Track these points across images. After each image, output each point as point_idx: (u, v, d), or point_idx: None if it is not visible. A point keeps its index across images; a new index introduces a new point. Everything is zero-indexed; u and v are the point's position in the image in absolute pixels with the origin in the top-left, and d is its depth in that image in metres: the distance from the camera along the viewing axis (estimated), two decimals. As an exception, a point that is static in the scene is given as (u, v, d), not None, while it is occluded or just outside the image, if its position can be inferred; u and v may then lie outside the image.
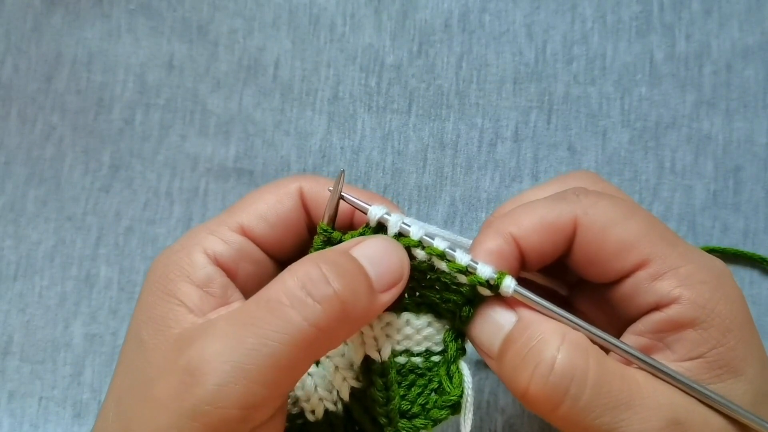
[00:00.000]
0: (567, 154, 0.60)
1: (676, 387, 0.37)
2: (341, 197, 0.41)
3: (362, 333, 0.40)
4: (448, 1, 0.61)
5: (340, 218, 0.42)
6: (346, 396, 0.42)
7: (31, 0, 0.62)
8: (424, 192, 0.60)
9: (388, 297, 0.38)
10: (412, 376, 0.42)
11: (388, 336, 0.41)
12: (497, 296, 0.39)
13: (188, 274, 0.40)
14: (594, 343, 0.38)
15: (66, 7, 0.62)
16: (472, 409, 0.40)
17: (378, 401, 0.41)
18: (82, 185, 0.60)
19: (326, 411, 0.43)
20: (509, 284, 0.38)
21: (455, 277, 0.39)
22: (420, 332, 0.42)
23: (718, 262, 0.40)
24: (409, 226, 0.40)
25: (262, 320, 0.35)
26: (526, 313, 0.39)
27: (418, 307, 0.42)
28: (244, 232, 0.42)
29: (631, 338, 0.40)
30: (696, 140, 0.60)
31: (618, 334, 0.40)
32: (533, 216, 0.40)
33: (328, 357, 0.43)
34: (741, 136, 0.60)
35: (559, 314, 0.38)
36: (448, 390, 0.41)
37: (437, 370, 0.42)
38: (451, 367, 0.41)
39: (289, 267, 0.37)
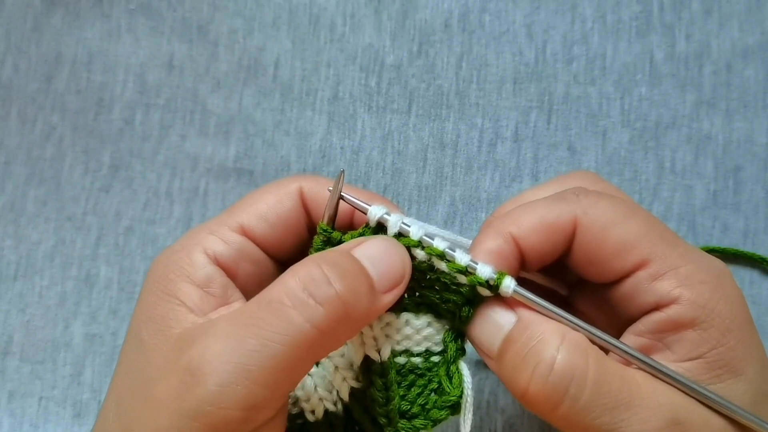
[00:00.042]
0: (567, 154, 0.60)
1: (676, 387, 0.37)
2: (341, 197, 0.41)
3: (362, 333, 0.40)
4: (448, 1, 0.61)
5: (340, 218, 0.42)
6: (345, 396, 0.42)
7: (31, 0, 0.62)
8: (424, 192, 0.60)
9: (390, 298, 0.38)
10: (411, 377, 0.42)
11: (387, 336, 0.41)
12: (497, 296, 0.39)
13: (188, 274, 0.40)
14: (594, 343, 0.38)
15: (66, 7, 0.62)
16: (471, 409, 0.40)
17: (378, 401, 0.41)
18: (82, 185, 0.60)
19: (326, 411, 0.43)
20: (509, 284, 0.38)
21: (455, 278, 0.39)
22: (420, 332, 0.42)
23: (718, 262, 0.40)
24: (408, 226, 0.40)
25: (264, 321, 0.35)
26: (525, 314, 0.39)
27: (418, 308, 0.42)
28: (244, 232, 0.42)
29: (630, 338, 0.40)
30: (696, 140, 0.60)
31: (618, 335, 0.40)
32: (533, 216, 0.40)
33: (328, 357, 0.43)
34: (741, 136, 0.60)
35: (558, 314, 0.38)
36: (448, 390, 0.41)
37: (437, 371, 0.42)
38: (451, 368, 0.41)
39: (290, 268, 0.37)
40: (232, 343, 0.35)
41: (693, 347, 0.38)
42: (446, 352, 0.41)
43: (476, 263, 0.39)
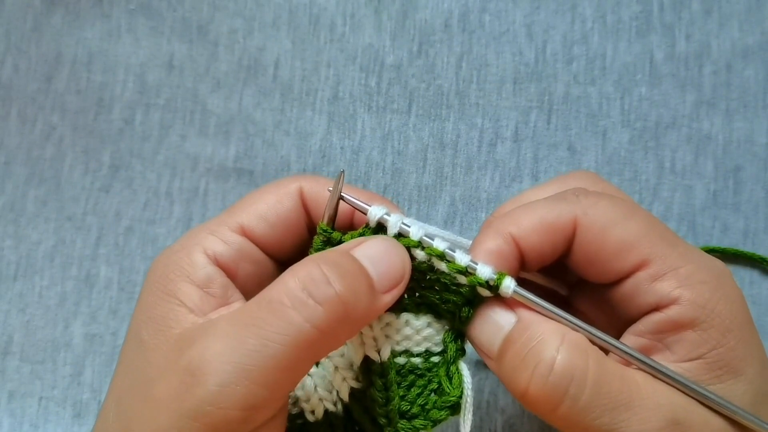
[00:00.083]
0: (567, 154, 0.60)
1: (676, 388, 0.37)
2: (341, 197, 0.41)
3: (362, 333, 0.40)
4: (448, 1, 0.61)
5: (340, 218, 0.42)
6: (345, 396, 0.42)
7: (31, 0, 0.62)
8: (424, 192, 0.60)
9: (390, 297, 0.38)
10: (411, 377, 0.42)
11: (387, 336, 0.41)
12: (497, 297, 0.39)
13: (188, 274, 0.40)
14: (594, 343, 0.38)
15: (66, 7, 0.62)
16: (471, 409, 0.40)
17: (377, 401, 0.41)
18: (82, 185, 0.60)
19: (326, 411, 0.43)
20: (509, 285, 0.38)
21: (455, 278, 0.39)
22: (419, 333, 0.42)
23: (718, 262, 0.40)
24: (408, 226, 0.40)
25: (264, 321, 0.35)
26: (525, 314, 0.39)
27: (418, 308, 0.42)
28: (244, 233, 0.42)
29: (630, 339, 0.40)
30: (696, 140, 0.60)
31: (618, 335, 0.40)
32: (533, 216, 0.40)
33: (328, 357, 0.43)
34: (741, 136, 0.60)
35: (558, 315, 0.38)
36: (448, 391, 0.41)
37: (437, 371, 0.42)
38: (451, 368, 0.41)
39: (290, 268, 0.37)
40: (231, 343, 0.35)
41: (693, 348, 0.38)
42: (446, 352, 0.41)
43: (476, 263, 0.39)
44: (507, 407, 0.57)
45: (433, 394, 0.42)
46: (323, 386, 0.43)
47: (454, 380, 0.41)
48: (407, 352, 0.42)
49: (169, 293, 0.39)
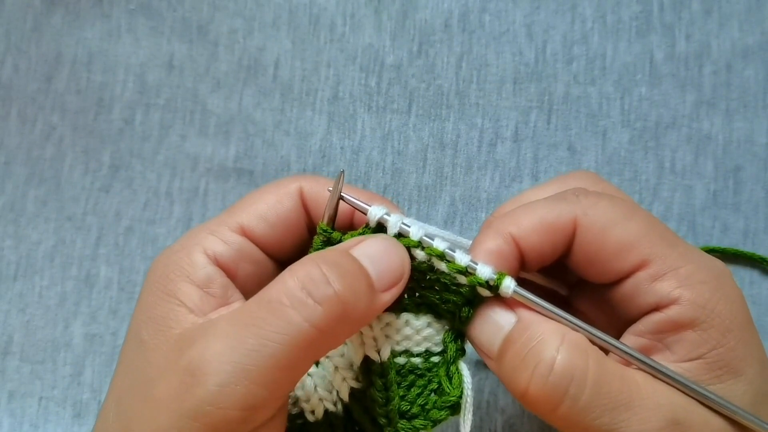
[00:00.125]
0: (567, 154, 0.60)
1: (676, 388, 0.37)
2: (341, 197, 0.41)
3: (362, 333, 0.40)
4: (448, 1, 0.61)
5: (340, 218, 0.42)
6: (345, 396, 0.42)
7: (31, 0, 0.62)
8: (424, 192, 0.60)
9: (389, 296, 0.38)
10: (411, 377, 0.42)
11: (387, 336, 0.41)
12: (497, 297, 0.39)
13: (188, 274, 0.40)
14: (594, 343, 0.38)
15: (66, 7, 0.62)
16: (471, 409, 0.40)
17: (377, 401, 0.41)
18: (82, 185, 0.60)
19: (326, 411, 0.43)
20: (509, 285, 0.38)
21: (455, 278, 0.39)
22: (419, 333, 0.42)
23: (718, 263, 0.40)
24: (408, 226, 0.40)
25: (263, 321, 0.35)
26: (525, 314, 0.39)
27: (418, 308, 0.42)
28: (244, 233, 0.42)
29: (630, 339, 0.40)
30: (696, 140, 0.60)
31: (618, 335, 0.40)
32: (533, 216, 0.40)
33: (327, 357, 0.43)
34: (741, 136, 0.60)
35: (558, 315, 0.38)
36: (448, 391, 0.41)
37: (437, 371, 0.42)
38: (451, 368, 0.41)
39: (289, 267, 0.37)
40: (231, 342, 0.35)
41: (693, 348, 0.38)
42: (446, 352, 0.41)
43: (476, 263, 0.39)
44: (507, 407, 0.57)
45: (433, 394, 0.42)
46: (323, 386, 0.43)
47: (454, 380, 0.41)
48: (407, 352, 0.42)
49: (169, 293, 0.39)
